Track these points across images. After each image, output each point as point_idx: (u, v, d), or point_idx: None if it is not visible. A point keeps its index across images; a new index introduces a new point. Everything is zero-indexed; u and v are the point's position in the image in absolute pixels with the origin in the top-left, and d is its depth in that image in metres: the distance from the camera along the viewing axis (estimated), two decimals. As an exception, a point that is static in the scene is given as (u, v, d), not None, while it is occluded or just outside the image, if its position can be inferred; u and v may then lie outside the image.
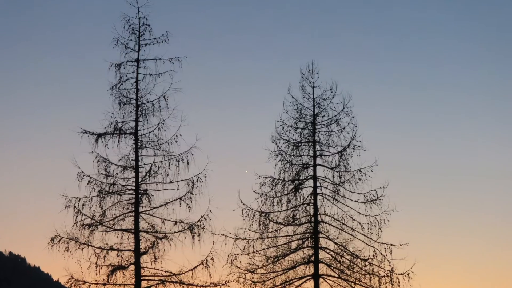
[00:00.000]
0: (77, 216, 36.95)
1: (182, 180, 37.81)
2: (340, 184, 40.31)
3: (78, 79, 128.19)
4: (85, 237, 36.93)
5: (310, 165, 40.61)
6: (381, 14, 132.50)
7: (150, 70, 38.35)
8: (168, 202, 37.73)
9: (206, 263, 37.40)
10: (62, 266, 36.66)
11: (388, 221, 40.04)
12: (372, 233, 39.93)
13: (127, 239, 37.56)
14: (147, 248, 37.53)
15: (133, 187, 37.78)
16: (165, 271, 37.52)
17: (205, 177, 37.84)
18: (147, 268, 37.51)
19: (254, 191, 40.28)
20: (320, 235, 40.12)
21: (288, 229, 40.34)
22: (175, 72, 38.12)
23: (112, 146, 37.57)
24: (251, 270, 39.84)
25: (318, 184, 40.45)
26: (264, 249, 40.06)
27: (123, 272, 37.22)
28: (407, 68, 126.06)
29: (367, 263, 39.80)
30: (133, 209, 37.68)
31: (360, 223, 40.05)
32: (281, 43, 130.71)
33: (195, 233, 37.46)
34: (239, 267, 39.68)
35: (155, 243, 37.51)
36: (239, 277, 39.62)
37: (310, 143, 40.73)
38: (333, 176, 40.42)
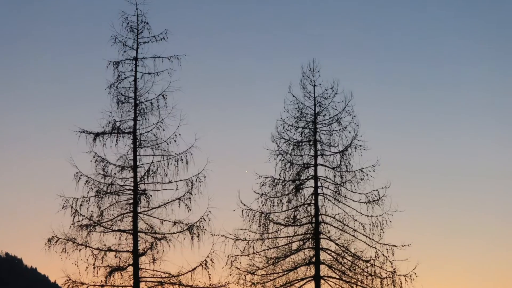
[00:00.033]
0: (74, 217, 36.94)
1: (181, 180, 37.81)
2: (342, 184, 40.30)
3: (75, 77, 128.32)
4: (83, 238, 36.93)
5: (311, 165, 40.59)
6: (383, 12, 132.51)
7: (148, 68, 38.41)
8: (167, 203, 37.73)
9: (206, 264, 37.39)
10: (60, 267, 36.71)
11: (390, 221, 40.06)
12: (374, 234, 39.94)
13: (125, 240, 37.56)
14: (145, 249, 37.51)
15: (132, 187, 37.76)
16: (164, 273, 37.52)
17: (205, 177, 37.85)
18: (146, 269, 37.50)
19: (254, 191, 40.30)
20: (321, 236, 40.10)
21: (288, 229, 40.35)
22: (174, 70, 38.17)
23: (110, 145, 37.60)
24: (251, 272, 39.82)
25: (319, 184, 40.44)
26: (264, 250, 40.06)
27: (121, 274, 37.20)
28: (409, 67, 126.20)
29: (369, 265, 39.78)
30: (132, 209, 37.66)
31: (361, 224, 40.04)
32: (282, 40, 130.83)
33: (195, 234, 37.45)
34: (239, 269, 39.69)
35: (154, 244, 37.49)
36: (239, 279, 39.62)
37: (311, 143, 40.72)
38: (335, 176, 40.42)
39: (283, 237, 40.26)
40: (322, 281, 39.90)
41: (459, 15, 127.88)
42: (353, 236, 40.13)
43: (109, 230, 37.40)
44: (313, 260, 39.94)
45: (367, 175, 40.23)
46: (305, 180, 40.48)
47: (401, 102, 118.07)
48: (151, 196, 37.78)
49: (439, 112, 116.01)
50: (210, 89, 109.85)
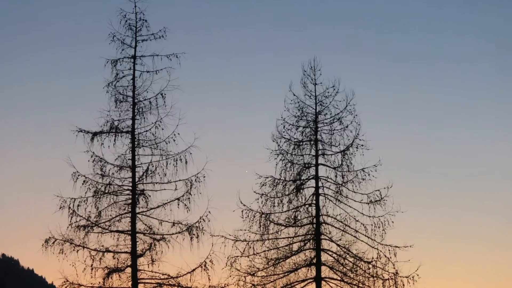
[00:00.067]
0: (72, 217, 36.95)
1: (180, 180, 37.83)
2: (343, 184, 40.30)
3: (73, 76, 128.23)
4: (80, 238, 36.94)
5: (312, 165, 40.60)
6: (385, 9, 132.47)
7: (147, 66, 38.44)
8: (166, 203, 37.74)
9: (205, 265, 37.40)
10: (57, 268, 36.73)
11: (393, 222, 40.08)
12: (375, 234, 39.95)
13: (124, 240, 37.58)
14: (144, 250, 37.52)
15: (130, 187, 37.77)
16: (163, 274, 37.52)
17: (204, 177, 37.87)
18: (144, 270, 37.51)
19: (254, 192, 40.31)
20: (322, 236, 40.11)
21: (289, 230, 40.36)
22: (173, 69, 38.21)
23: (108, 145, 37.63)
24: (251, 273, 39.83)
25: (320, 184, 40.44)
26: (264, 251, 40.07)
27: (119, 275, 37.22)
28: (412, 65, 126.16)
29: (370, 266, 39.79)
30: (130, 210, 37.67)
31: (363, 225, 40.05)
32: (282, 38, 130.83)
33: (194, 234, 37.45)
34: (239, 270, 39.69)
35: (152, 245, 37.49)
36: (239, 280, 39.62)
37: (312, 142, 40.72)
38: (336, 176, 40.43)
39: (283, 238, 40.28)
40: (323, 282, 39.91)
41: (462, 13, 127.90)
42: (355, 237, 40.15)
43: (107, 231, 37.42)
44: (314, 261, 39.95)
45: (368, 175, 40.27)
46: (306, 180, 40.49)
47: (403, 101, 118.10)
48: (150, 196, 37.82)
49: (442, 111, 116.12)
50: (210, 87, 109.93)
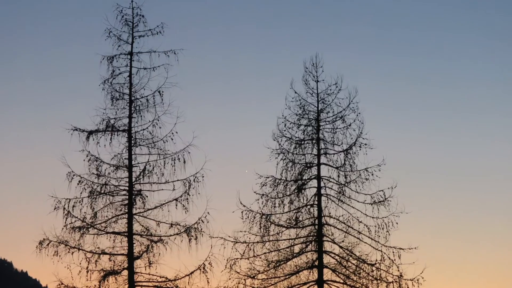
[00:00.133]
0: (67, 218, 36.99)
1: (178, 180, 37.86)
2: (346, 184, 40.30)
3: (68, 73, 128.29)
4: (76, 240, 36.98)
5: (313, 164, 40.60)
6: (389, 6, 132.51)
7: (144, 63, 38.49)
8: (164, 204, 37.78)
9: (204, 268, 37.43)
10: (51, 271, 36.77)
11: (397, 223, 40.06)
12: (379, 236, 39.95)
13: (120, 242, 37.60)
14: (141, 252, 37.54)
15: (126, 188, 37.79)
16: (160, 277, 37.55)
17: (203, 177, 37.92)
18: (141, 273, 37.55)
19: (255, 192, 40.30)
20: (325, 238, 40.12)
21: (290, 232, 40.34)
22: (171, 65, 38.25)
23: (104, 144, 37.69)
24: (252, 276, 39.83)
25: (322, 184, 40.44)
26: (265, 253, 40.07)
27: (115, 278, 37.24)
28: (416, 62, 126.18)
29: (374, 268, 39.79)
30: (126, 210, 37.69)
31: (366, 226, 40.05)
32: (283, 34, 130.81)
33: (192, 236, 37.48)
34: (238, 272, 39.69)
35: (150, 246, 37.52)
36: (239, 283, 39.64)
37: (314, 141, 40.72)
38: (338, 176, 40.42)
39: (284, 240, 40.29)
40: (325, 285, 39.91)
41: (471, 11, 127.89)
42: (358, 238, 40.15)
43: (103, 232, 37.44)
44: (316, 263, 39.95)
45: (372, 174, 40.25)
46: (307, 180, 40.49)
47: (408, 98, 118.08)
48: (147, 196, 37.85)
49: (448, 109, 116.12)
50: (209, 85, 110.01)
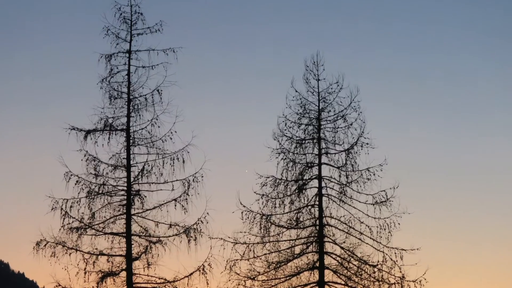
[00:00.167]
0: (64, 219, 36.99)
1: (177, 180, 37.86)
2: (347, 184, 40.31)
3: (65, 71, 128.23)
4: (73, 241, 36.97)
5: (314, 164, 40.60)
6: (391, 3, 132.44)
7: (143, 61, 38.49)
8: (162, 204, 37.77)
9: (203, 269, 37.43)
10: (48, 272, 36.76)
11: (399, 224, 40.08)
12: (381, 237, 39.96)
13: (118, 243, 37.60)
14: (139, 253, 37.54)
15: (125, 188, 37.79)
16: (159, 278, 37.56)
17: (202, 177, 37.91)
18: (140, 274, 37.54)
19: (255, 192, 40.32)
20: (326, 239, 40.12)
21: (291, 232, 40.36)
22: (170, 64, 38.24)
23: (102, 143, 37.68)
24: (252, 277, 39.85)
25: (323, 184, 40.45)
26: (265, 254, 40.08)
27: (113, 279, 37.24)
28: (419, 60, 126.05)
29: (376, 269, 39.79)
30: (125, 211, 37.69)
31: (368, 227, 40.07)
32: (284, 32, 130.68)
33: (191, 237, 37.47)
34: (238, 274, 39.70)
35: (148, 247, 37.52)
36: (239, 284, 39.65)
37: (314, 140, 40.72)
38: (340, 176, 40.43)
39: (285, 241, 40.30)
40: (326, 287, 39.92)
41: (476, 8, 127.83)
42: (359, 239, 40.16)
43: (101, 233, 37.44)
44: (317, 264, 39.96)
45: (374, 174, 40.26)
46: (308, 180, 40.49)
47: (410, 97, 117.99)
48: (146, 197, 37.86)
49: (451, 108, 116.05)
50: (208, 83, 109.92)
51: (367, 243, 40.11)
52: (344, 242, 40.26)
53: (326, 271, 40.06)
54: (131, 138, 37.97)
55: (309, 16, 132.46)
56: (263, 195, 40.23)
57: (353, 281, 39.95)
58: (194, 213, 37.66)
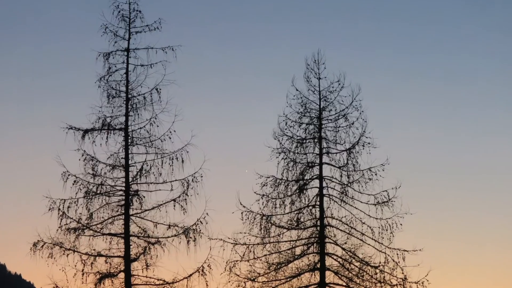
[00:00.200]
0: (61, 219, 36.96)
1: (176, 180, 37.84)
2: (349, 184, 40.30)
3: (63, 69, 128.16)
4: (71, 242, 36.97)
5: (315, 164, 40.58)
6: (391, 2, 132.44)
7: (141, 60, 38.50)
8: (161, 204, 37.76)
9: (203, 270, 37.41)
10: (46, 273, 36.76)
11: (401, 224, 40.04)
12: (383, 238, 39.95)
13: (117, 244, 37.60)
14: (138, 254, 37.54)
15: (123, 188, 37.77)
16: (158, 279, 37.55)
17: (202, 177, 37.89)
18: (138, 276, 37.55)
19: (255, 192, 40.32)
20: (327, 240, 40.11)
21: (291, 233, 40.36)
22: (169, 62, 38.25)
23: (100, 143, 37.66)
24: (252, 278, 39.84)
25: (324, 184, 40.44)
26: (265, 255, 40.07)
27: (112, 280, 37.25)
28: (421, 59, 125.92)
29: (377, 271, 39.79)
30: (123, 211, 37.68)
31: (370, 227, 40.05)
32: (284, 30, 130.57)
33: (191, 237, 37.46)
34: (238, 275, 39.69)
35: (147, 248, 37.51)
36: (239, 286, 39.65)
37: (315, 140, 40.71)
38: (341, 176, 40.43)
39: (285, 241, 40.30)
40: (327, 288, 39.94)
41: (476, 8, 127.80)
42: (361, 240, 40.16)
43: (99, 234, 37.43)
44: (318, 266, 39.96)
45: (375, 174, 40.25)
46: (309, 180, 40.48)
47: (414, 95, 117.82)
48: (144, 197, 37.84)
49: (454, 107, 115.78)
50: (207, 82, 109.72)
51: (368, 244, 40.12)
52: (345, 243, 40.27)
53: (327, 273, 40.05)
54: (129, 137, 37.96)
55: (310, 14, 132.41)
56: (263, 195, 40.23)
57: (355, 283, 39.94)
58: (193, 213, 37.72)
